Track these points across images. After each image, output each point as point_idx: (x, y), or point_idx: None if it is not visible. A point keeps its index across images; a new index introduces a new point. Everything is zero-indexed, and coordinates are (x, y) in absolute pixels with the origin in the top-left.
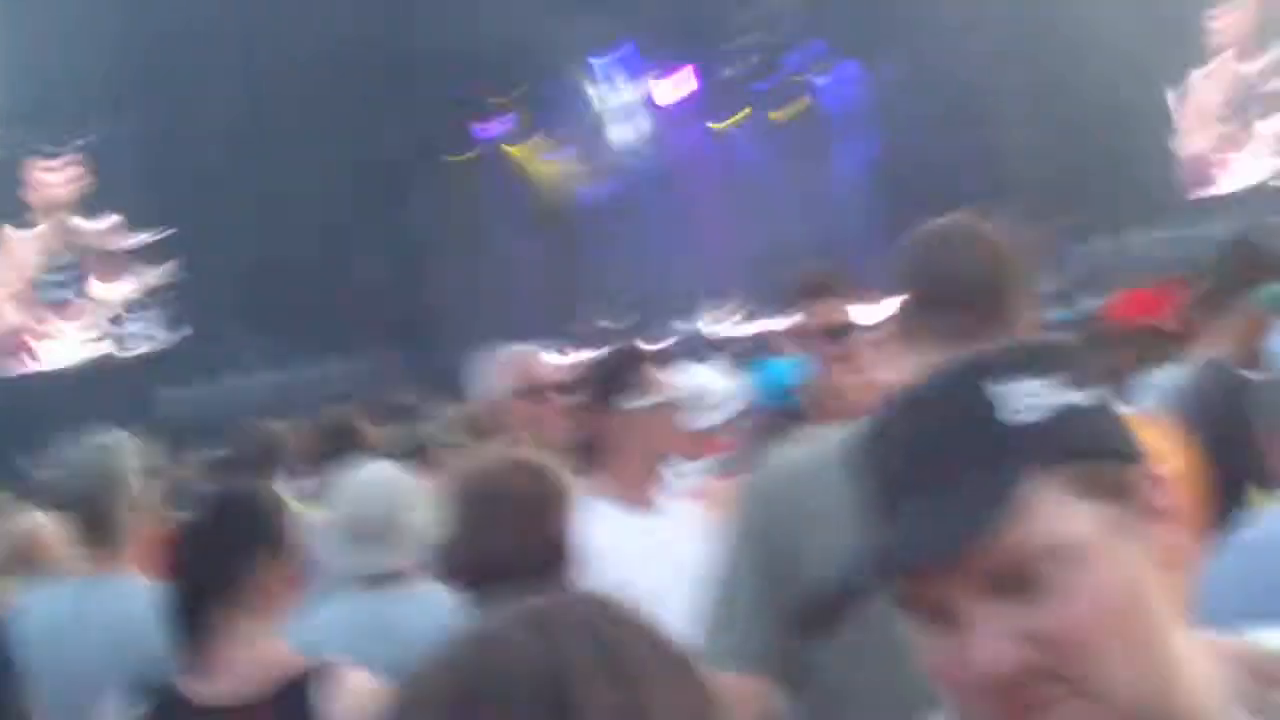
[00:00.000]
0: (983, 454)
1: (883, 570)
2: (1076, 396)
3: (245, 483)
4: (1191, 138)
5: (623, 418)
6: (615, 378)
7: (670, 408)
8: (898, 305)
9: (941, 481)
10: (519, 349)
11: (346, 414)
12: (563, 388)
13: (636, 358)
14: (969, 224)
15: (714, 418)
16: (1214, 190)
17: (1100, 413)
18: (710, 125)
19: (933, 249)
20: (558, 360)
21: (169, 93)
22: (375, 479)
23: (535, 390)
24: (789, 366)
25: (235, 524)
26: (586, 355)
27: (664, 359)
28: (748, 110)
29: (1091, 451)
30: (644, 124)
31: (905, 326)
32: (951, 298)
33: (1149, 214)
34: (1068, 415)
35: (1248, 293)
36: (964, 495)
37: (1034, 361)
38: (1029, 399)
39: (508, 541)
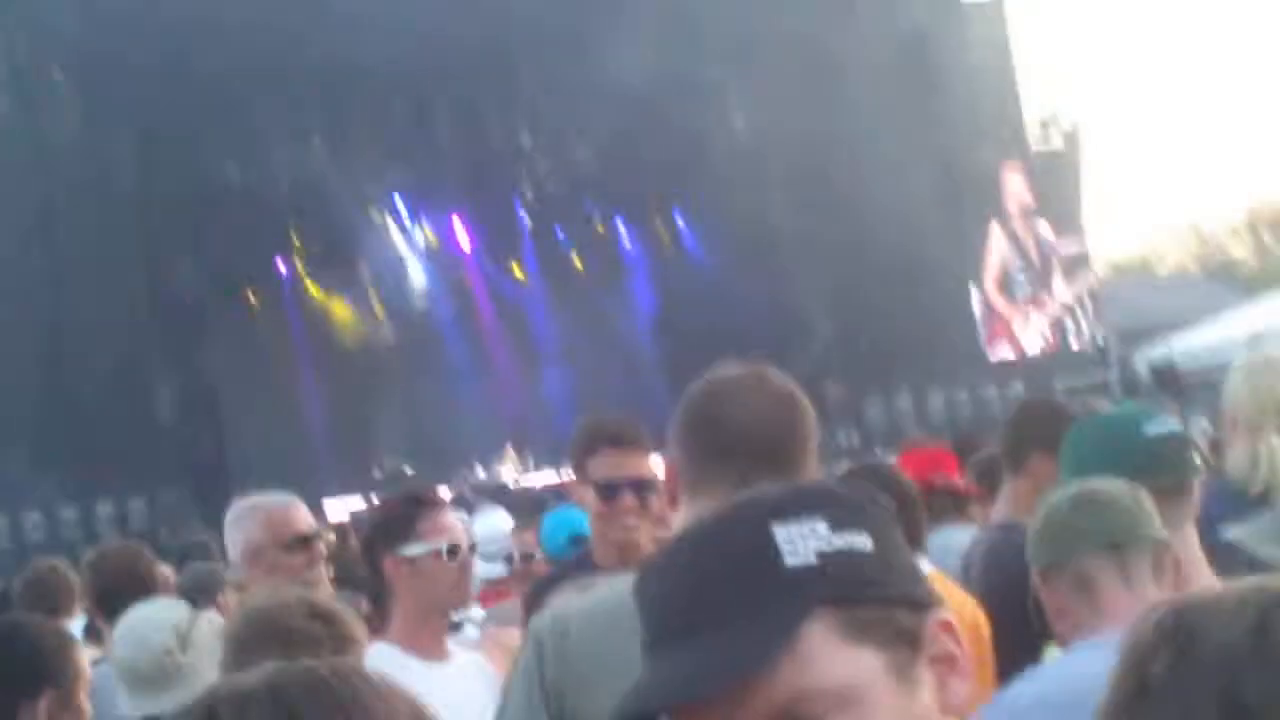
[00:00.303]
0: (758, 594)
1: (653, 709)
2: (857, 540)
3: (25, 617)
4: (990, 297)
5: (405, 564)
6: (399, 523)
7: (454, 555)
8: (680, 455)
9: (717, 620)
10: (275, 498)
11: (131, 552)
12: (321, 537)
13: (421, 503)
14: (754, 372)
15: (499, 566)
16: (1013, 352)
17: (882, 557)
18: (497, 270)
19: (717, 398)
20: (334, 506)
21: None
22: (154, 619)
23: (296, 540)
24: (576, 516)
25: (14, 660)
26: (372, 499)
27: (449, 505)
28: (516, 265)
29: (871, 595)
30: (434, 267)
31: (689, 477)
32: (736, 447)
33: (951, 373)
34: (846, 558)
35: (1035, 456)
36: (738, 634)
37: (812, 504)
38: (806, 540)
39: None
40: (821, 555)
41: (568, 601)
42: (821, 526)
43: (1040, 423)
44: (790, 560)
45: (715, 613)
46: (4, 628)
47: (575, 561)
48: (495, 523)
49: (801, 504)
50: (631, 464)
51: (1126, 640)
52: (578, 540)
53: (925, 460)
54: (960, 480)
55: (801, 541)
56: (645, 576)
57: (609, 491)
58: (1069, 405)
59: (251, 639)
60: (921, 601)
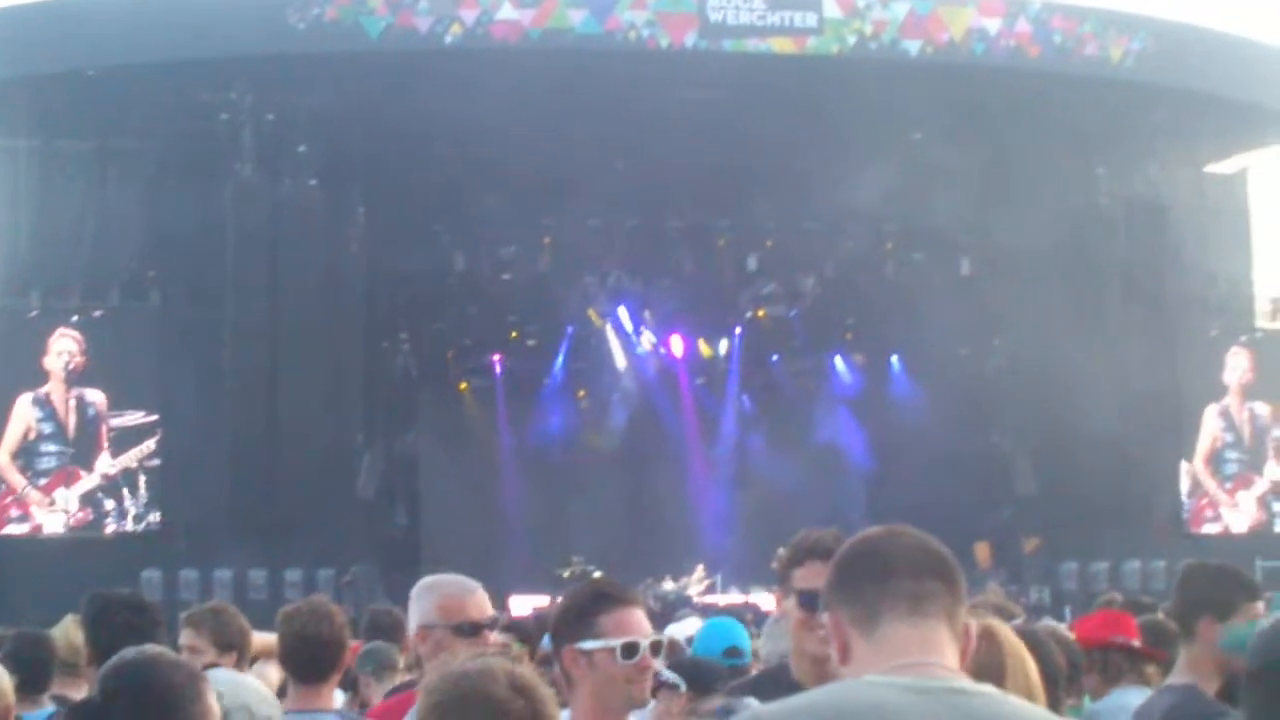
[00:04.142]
0: None
1: None
2: None
3: (161, 653)
4: (1201, 473)
5: (583, 657)
6: (580, 616)
7: (631, 654)
8: (845, 600)
9: None
10: (458, 581)
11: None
12: (494, 627)
13: (605, 598)
14: (890, 528)
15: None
16: (1218, 527)
17: None
18: (708, 389)
19: (868, 539)
20: (519, 602)
21: (187, 284)
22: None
23: (468, 625)
24: (732, 629)
25: (150, 696)
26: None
27: (638, 605)
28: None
29: None
30: (647, 379)
31: (860, 613)
32: (901, 569)
33: (1150, 543)
34: None
35: (1202, 621)
36: None
37: None
38: None
39: None
40: None
41: (764, 706)
42: None
43: (1205, 589)
44: None
45: None
46: (150, 666)
47: (777, 669)
48: (689, 629)
49: None
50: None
51: None
52: (731, 653)
53: (1104, 621)
54: (1138, 641)
55: None
56: None
57: (811, 603)
58: (1239, 572)
59: (451, 701)
60: None
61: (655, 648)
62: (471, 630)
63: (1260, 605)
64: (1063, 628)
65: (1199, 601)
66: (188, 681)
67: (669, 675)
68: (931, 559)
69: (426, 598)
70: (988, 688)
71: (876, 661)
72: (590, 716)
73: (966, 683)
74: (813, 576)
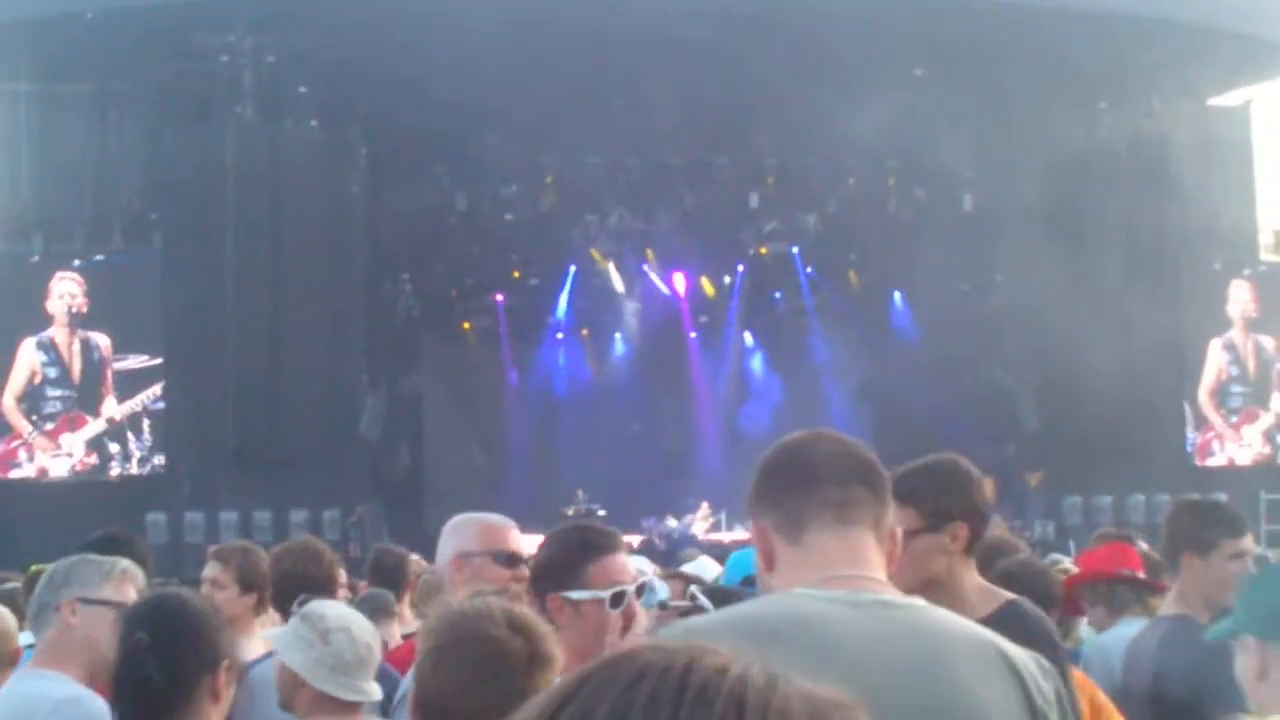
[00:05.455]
0: None
1: None
2: None
3: (196, 595)
4: (1205, 406)
5: (569, 605)
6: (567, 564)
7: (618, 603)
8: (767, 508)
9: None
10: (497, 516)
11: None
12: (529, 564)
13: (592, 547)
14: (813, 431)
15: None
16: (1223, 460)
17: None
18: (712, 325)
19: (788, 446)
20: (523, 540)
21: (189, 226)
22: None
23: (512, 558)
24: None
25: (205, 634)
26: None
27: (623, 549)
28: (731, 321)
29: None
30: (650, 316)
31: (784, 522)
32: (824, 474)
33: (1154, 477)
34: None
35: (1184, 555)
36: None
37: None
38: None
39: (488, 693)
40: None
41: (694, 619)
42: None
43: (1188, 525)
44: None
45: None
46: (182, 604)
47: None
48: (700, 567)
49: None
50: None
51: None
52: (748, 582)
53: (1109, 554)
54: (1143, 573)
55: None
56: None
57: None
58: (1222, 508)
59: (450, 642)
60: None
61: (639, 591)
62: (510, 560)
63: (1244, 542)
64: (1067, 562)
65: (1181, 537)
66: (213, 610)
67: (703, 600)
68: (856, 464)
69: (466, 528)
70: (916, 600)
71: (803, 572)
72: (576, 661)
73: (895, 596)
74: None
